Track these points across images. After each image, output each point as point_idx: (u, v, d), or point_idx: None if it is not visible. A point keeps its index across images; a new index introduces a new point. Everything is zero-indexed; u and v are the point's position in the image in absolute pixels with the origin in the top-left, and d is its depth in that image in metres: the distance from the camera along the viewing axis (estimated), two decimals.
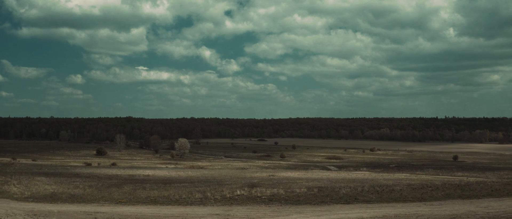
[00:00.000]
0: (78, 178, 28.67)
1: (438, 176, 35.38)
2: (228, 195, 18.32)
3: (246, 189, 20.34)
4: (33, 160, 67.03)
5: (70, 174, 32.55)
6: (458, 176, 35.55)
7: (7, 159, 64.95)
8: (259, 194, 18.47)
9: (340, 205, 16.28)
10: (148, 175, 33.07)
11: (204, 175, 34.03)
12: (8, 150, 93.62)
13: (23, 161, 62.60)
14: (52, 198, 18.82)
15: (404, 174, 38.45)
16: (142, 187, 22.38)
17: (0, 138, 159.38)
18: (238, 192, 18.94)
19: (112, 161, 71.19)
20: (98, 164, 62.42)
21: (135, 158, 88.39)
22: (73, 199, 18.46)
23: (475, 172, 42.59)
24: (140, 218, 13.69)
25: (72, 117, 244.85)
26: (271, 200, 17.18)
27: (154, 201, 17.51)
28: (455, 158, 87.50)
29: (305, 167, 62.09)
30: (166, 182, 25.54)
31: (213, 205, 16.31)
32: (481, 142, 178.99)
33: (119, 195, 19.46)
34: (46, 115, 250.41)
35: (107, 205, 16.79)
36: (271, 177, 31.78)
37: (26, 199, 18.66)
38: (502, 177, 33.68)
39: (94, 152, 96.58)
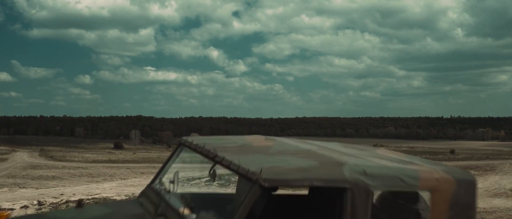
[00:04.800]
0: (119, 155, 34.65)
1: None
2: None
3: None
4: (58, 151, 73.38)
5: (109, 153, 38.57)
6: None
7: (36, 149, 71.48)
8: None
9: None
10: None
11: None
12: (32, 143, 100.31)
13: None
14: (111, 161, 24.75)
15: None
16: None
17: (19, 134, 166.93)
18: None
19: (131, 152, 77.48)
20: (120, 153, 68.61)
21: (150, 151, 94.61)
22: (129, 162, 24.40)
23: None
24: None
25: (85, 116, 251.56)
26: None
27: None
28: (452, 151, 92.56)
29: None
30: None
31: None
32: (483, 140, 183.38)
33: (163, 159, 25.38)
34: (54, 114, 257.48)
35: (157, 166, 22.69)
36: None
37: (92, 162, 24.63)
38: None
39: (112, 146, 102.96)
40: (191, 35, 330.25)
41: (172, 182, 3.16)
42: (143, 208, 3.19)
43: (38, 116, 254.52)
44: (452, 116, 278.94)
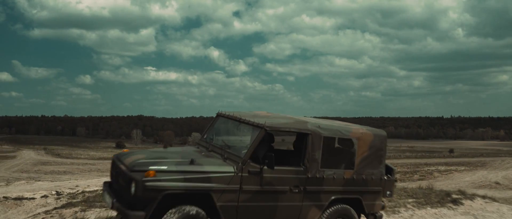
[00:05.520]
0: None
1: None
2: None
3: None
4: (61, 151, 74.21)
5: (112, 152, 39.46)
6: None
7: (39, 148, 72.35)
8: None
9: None
10: None
11: None
12: (35, 143, 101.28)
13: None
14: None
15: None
16: None
17: (21, 134, 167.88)
18: None
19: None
20: None
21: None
22: None
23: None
24: None
25: (85, 116, 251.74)
26: None
27: None
28: (451, 151, 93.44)
29: None
30: None
31: None
32: (483, 139, 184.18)
33: None
34: (54, 114, 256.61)
35: None
36: None
37: (98, 159, 25.53)
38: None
39: (114, 145, 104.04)
40: (192, 35, 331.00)
41: (212, 138, 6.08)
42: (200, 148, 5.92)
43: (39, 115, 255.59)
44: (452, 115, 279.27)
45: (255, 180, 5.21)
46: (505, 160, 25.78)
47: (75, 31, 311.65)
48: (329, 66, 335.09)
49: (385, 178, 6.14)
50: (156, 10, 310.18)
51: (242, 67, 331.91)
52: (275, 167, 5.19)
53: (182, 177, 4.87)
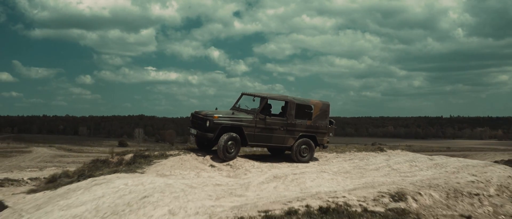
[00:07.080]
0: (132, 148, 37.36)
1: None
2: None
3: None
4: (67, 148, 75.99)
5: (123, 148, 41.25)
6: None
7: (45, 145, 74.17)
8: None
9: None
10: None
11: None
12: (40, 141, 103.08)
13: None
14: (128, 152, 27.45)
15: None
16: None
17: (24, 133, 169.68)
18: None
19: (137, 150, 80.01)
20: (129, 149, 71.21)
21: (154, 149, 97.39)
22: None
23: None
24: None
25: (86, 115, 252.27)
26: None
27: None
28: (448, 148, 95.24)
29: None
30: None
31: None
32: (481, 139, 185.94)
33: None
34: (54, 114, 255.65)
35: None
36: None
37: (110, 153, 27.31)
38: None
39: (117, 144, 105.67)
40: (192, 35, 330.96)
41: (239, 105, 11.52)
42: (233, 110, 11.17)
43: (41, 115, 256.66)
44: (452, 115, 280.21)
45: (262, 122, 10.70)
46: (487, 153, 27.40)
47: (76, 31, 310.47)
48: (329, 66, 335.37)
49: (329, 126, 11.60)
50: (156, 10, 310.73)
51: (242, 67, 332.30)
52: (272, 117, 10.99)
53: (229, 118, 10.37)
